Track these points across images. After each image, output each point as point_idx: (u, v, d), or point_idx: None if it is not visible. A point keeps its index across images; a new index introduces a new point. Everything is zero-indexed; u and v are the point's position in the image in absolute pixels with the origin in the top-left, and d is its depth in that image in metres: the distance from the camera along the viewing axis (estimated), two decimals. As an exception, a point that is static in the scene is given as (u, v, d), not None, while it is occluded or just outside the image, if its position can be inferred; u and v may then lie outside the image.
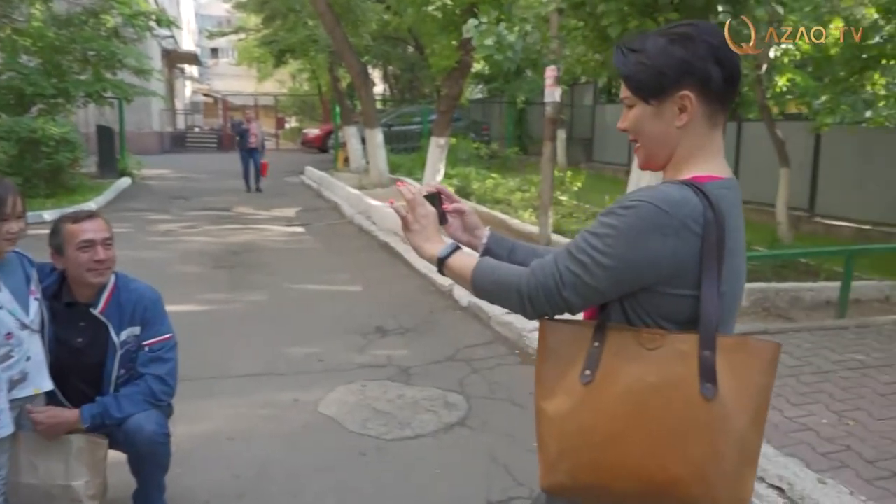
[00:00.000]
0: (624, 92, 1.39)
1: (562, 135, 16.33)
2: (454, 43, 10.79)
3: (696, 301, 1.28)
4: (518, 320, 5.02)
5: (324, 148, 24.90)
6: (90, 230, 2.42)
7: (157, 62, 25.76)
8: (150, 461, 2.49)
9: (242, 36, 29.80)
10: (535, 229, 8.19)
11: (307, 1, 16.65)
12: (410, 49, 24.00)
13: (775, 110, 9.43)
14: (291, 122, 42.20)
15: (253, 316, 5.74)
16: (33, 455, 2.36)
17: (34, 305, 2.30)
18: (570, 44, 5.78)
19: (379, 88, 31.87)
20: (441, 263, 1.49)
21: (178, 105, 35.59)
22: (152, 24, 15.42)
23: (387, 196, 12.52)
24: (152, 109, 24.41)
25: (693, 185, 1.29)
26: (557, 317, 1.38)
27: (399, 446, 3.49)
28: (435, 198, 1.65)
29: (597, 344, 1.32)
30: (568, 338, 1.35)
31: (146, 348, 2.51)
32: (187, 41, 39.73)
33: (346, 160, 17.99)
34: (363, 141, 15.48)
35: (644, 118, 1.37)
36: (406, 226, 1.55)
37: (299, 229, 10.18)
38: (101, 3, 14.31)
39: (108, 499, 2.53)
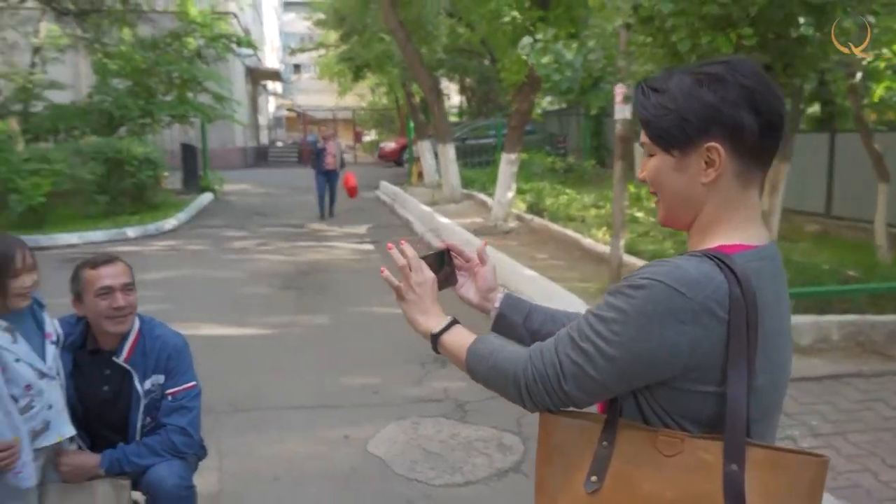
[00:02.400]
0: (643, 137, 1.19)
1: (639, 150, 15.82)
2: (524, 57, 10.58)
3: (723, 399, 1.05)
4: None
5: (400, 161, 25.13)
6: (108, 276, 2.36)
7: (240, 80, 26.65)
8: None
9: (322, 52, 30.56)
10: (606, 249, 7.87)
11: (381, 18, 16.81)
12: (486, 62, 23.89)
13: (873, 117, 8.76)
14: (370, 135, 42.86)
15: (313, 341, 5.69)
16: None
17: (50, 350, 2.25)
18: (639, 60, 5.48)
19: (455, 101, 31.98)
20: (434, 340, 1.33)
21: (262, 120, 36.72)
22: (233, 45, 15.91)
23: (458, 213, 12.42)
24: (235, 126, 25.21)
25: (718, 257, 1.07)
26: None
27: (448, 494, 3.30)
28: (444, 255, 1.48)
29: (605, 444, 1.12)
30: (573, 435, 1.16)
31: (169, 397, 2.43)
32: (271, 58, 41.01)
33: (420, 175, 18.02)
34: (437, 155, 15.45)
35: (664, 170, 1.17)
36: (399, 295, 1.39)
37: (369, 247, 10.17)
38: (184, 26, 14.85)
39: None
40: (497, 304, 1.49)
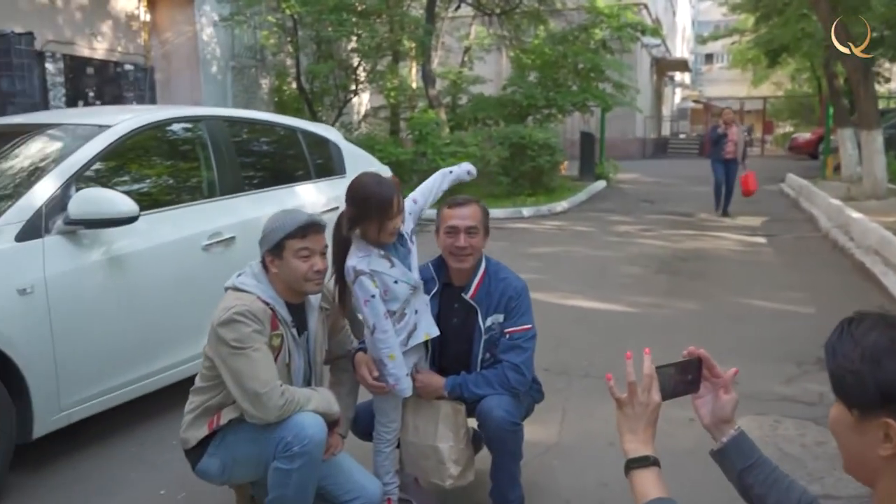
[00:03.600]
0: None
1: None
2: None
3: None
4: None
5: (814, 154, 22.50)
6: (457, 217, 2.61)
7: (645, 71, 26.69)
8: (498, 447, 2.55)
9: (736, 39, 28.87)
10: None
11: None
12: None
13: None
14: (783, 127, 39.21)
15: (678, 325, 5.48)
16: (413, 416, 2.65)
17: (415, 267, 2.58)
18: None
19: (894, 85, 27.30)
20: (627, 468, 1.35)
21: (665, 111, 36.27)
22: (638, 34, 16.01)
23: (880, 210, 10.60)
24: (637, 118, 25.38)
25: None
26: None
27: (799, 501, 2.90)
28: (692, 365, 1.44)
29: None
30: None
31: (507, 336, 2.58)
32: (681, 49, 40.14)
33: (837, 168, 15.88)
34: (859, 146, 13.43)
35: (842, 424, 1.07)
36: (619, 405, 1.39)
37: (760, 240, 9.36)
38: (592, 18, 15.42)
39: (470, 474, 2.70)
40: (725, 440, 1.47)
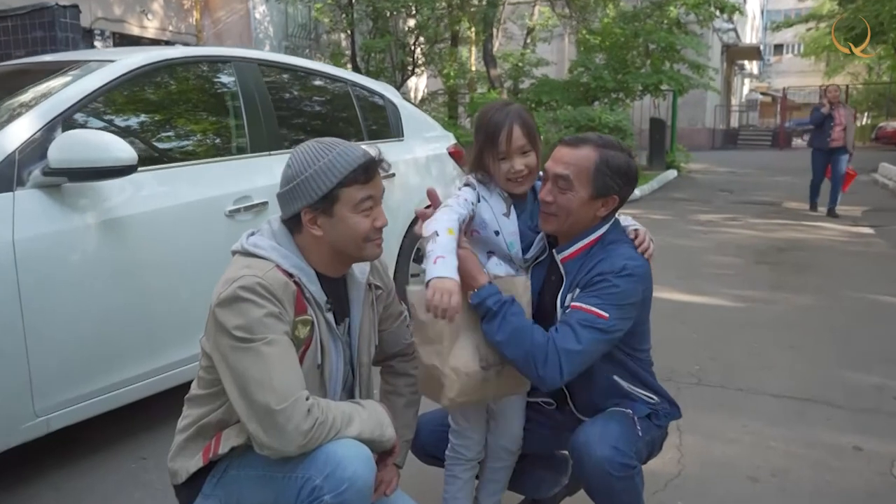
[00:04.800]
0: None
1: None
2: None
3: None
4: None
5: (903, 144, 20.85)
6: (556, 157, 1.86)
7: (715, 57, 25.27)
8: (603, 500, 1.76)
9: (811, 25, 27.18)
10: None
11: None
12: None
13: None
14: (862, 119, 37.01)
15: (797, 322, 4.56)
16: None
17: (537, 246, 1.93)
18: None
19: None
20: None
21: (733, 102, 34.64)
22: (715, 11, 14.82)
23: None
24: (707, 106, 24.13)
25: None
26: None
27: None
28: None
29: None
30: None
31: (573, 309, 1.77)
32: (750, 37, 38.29)
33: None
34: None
35: None
36: None
37: (867, 230, 8.25)
38: (665, -6, 14.33)
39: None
40: None
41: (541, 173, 1.94)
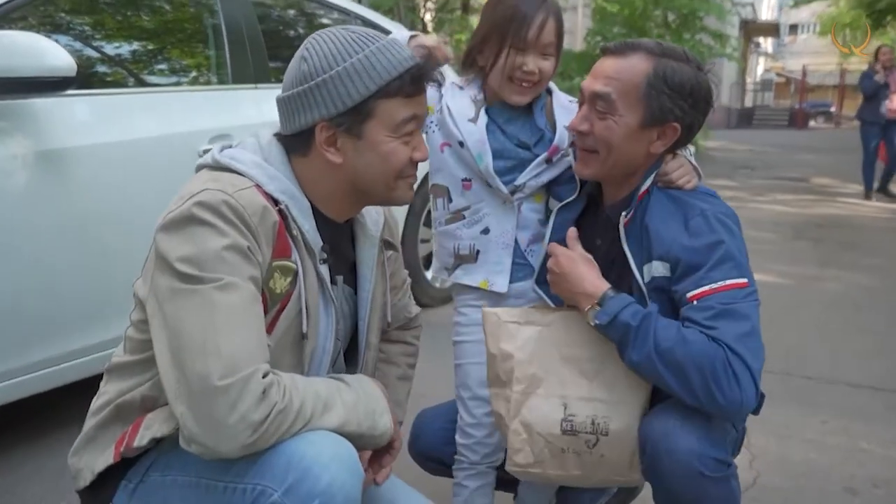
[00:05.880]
0: None
1: None
2: None
3: None
4: None
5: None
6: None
7: (733, 33, 24.55)
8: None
9: (829, 2, 26.41)
10: None
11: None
12: None
13: None
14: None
15: (857, 302, 4.04)
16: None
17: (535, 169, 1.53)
18: None
19: None
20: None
21: (748, 82, 33.96)
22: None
23: None
24: (723, 84, 23.41)
25: None
26: None
27: None
28: None
29: None
30: None
31: (703, 298, 1.26)
32: (766, 15, 37.43)
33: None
34: None
35: None
36: None
37: (909, 208, 7.72)
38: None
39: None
40: None
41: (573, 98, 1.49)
